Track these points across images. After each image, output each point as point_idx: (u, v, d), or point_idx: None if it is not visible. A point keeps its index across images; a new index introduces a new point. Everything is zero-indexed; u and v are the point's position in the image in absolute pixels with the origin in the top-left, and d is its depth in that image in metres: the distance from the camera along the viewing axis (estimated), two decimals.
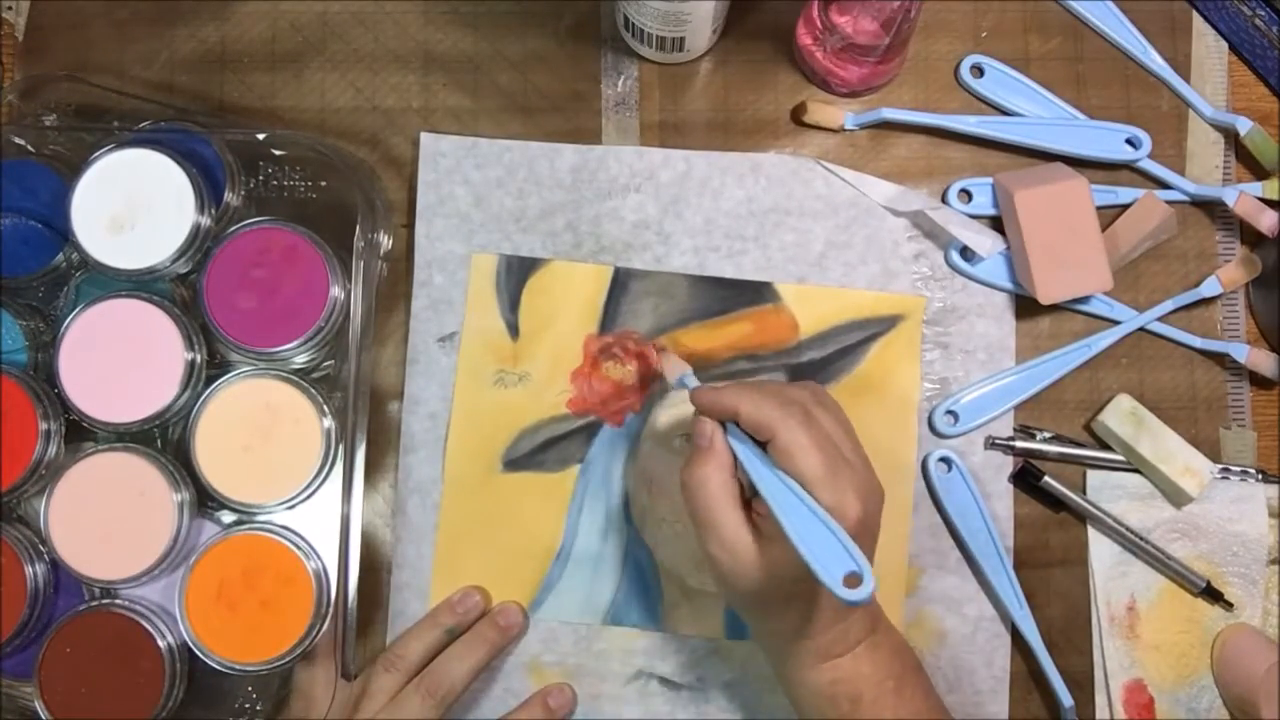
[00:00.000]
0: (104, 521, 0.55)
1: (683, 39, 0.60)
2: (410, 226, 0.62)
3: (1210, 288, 0.61)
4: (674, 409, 0.61)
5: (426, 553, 0.60)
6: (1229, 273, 0.61)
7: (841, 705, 0.51)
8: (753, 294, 0.61)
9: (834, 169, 0.62)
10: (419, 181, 0.62)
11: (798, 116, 0.63)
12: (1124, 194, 0.62)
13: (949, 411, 0.61)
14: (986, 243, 0.60)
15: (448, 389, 0.61)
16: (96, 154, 0.56)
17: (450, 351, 0.61)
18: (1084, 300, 0.61)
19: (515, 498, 0.61)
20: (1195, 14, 0.64)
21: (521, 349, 0.61)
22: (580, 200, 0.62)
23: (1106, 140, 0.62)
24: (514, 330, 0.61)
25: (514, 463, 0.61)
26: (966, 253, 0.61)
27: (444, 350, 0.61)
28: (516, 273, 0.62)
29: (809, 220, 0.62)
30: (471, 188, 0.62)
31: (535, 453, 0.61)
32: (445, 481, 0.61)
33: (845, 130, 0.63)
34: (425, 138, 0.62)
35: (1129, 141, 0.62)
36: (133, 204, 0.56)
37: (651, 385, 0.61)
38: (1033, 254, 0.59)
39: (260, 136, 0.58)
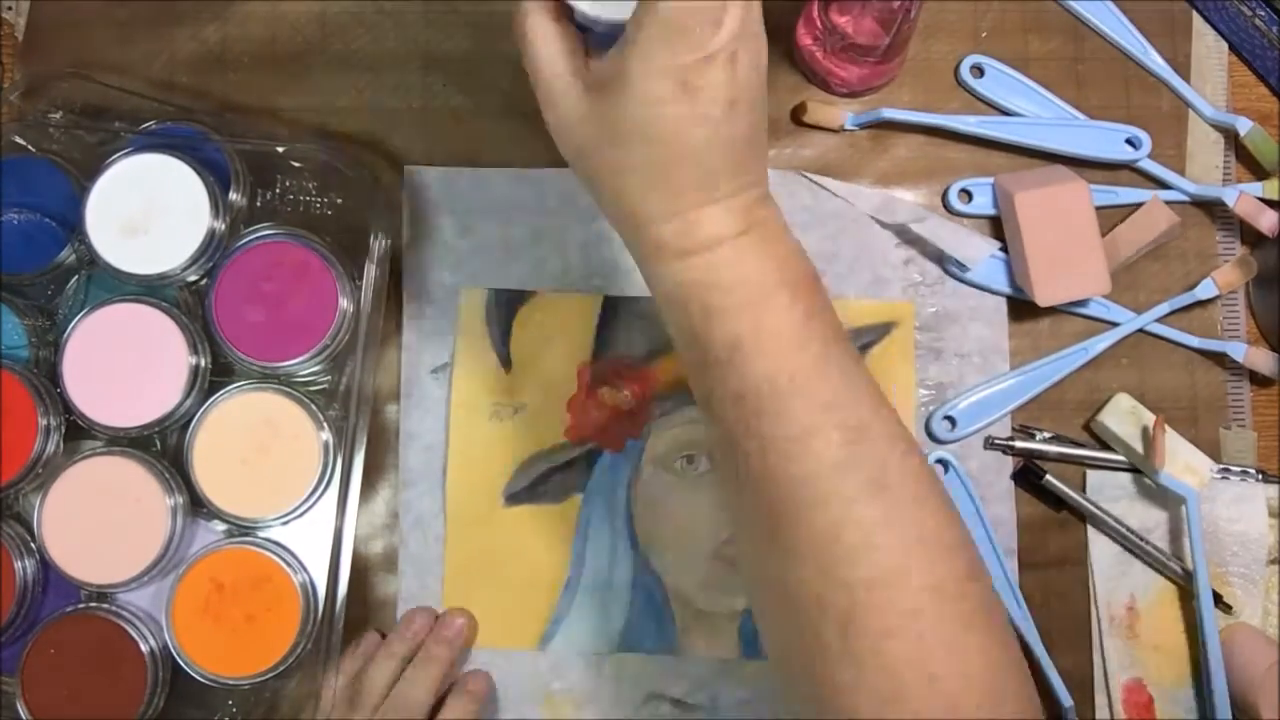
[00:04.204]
0: (97, 525, 0.55)
1: None
2: (397, 261, 0.61)
3: (1206, 290, 0.61)
4: (673, 430, 0.61)
5: (432, 586, 0.60)
6: (1225, 275, 0.61)
7: (691, 313, 0.41)
8: None
9: (819, 180, 0.62)
10: (404, 214, 0.62)
11: (798, 116, 0.63)
12: (1124, 194, 0.62)
13: (946, 417, 0.61)
14: (974, 252, 0.60)
15: (443, 420, 0.61)
16: (114, 157, 0.56)
17: (444, 384, 0.61)
18: (1082, 303, 0.61)
19: (519, 531, 0.60)
20: (1195, 14, 0.64)
21: (515, 381, 0.61)
22: (566, 225, 0.62)
23: (1106, 140, 0.62)
24: (506, 362, 0.61)
25: (515, 496, 0.61)
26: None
27: (437, 382, 0.61)
28: (505, 305, 0.61)
29: (796, 232, 0.61)
30: (458, 218, 0.62)
31: (536, 484, 0.61)
32: (448, 518, 0.60)
33: (845, 130, 0.63)
34: (409, 170, 0.62)
35: (1129, 141, 0.62)
36: (148, 209, 0.56)
37: (649, 409, 0.61)
38: (1031, 256, 0.59)
39: (280, 149, 0.58)
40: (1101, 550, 0.61)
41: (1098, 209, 0.60)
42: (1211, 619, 0.57)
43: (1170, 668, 0.60)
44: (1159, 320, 0.62)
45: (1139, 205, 0.62)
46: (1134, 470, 0.61)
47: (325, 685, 0.54)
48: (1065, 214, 0.59)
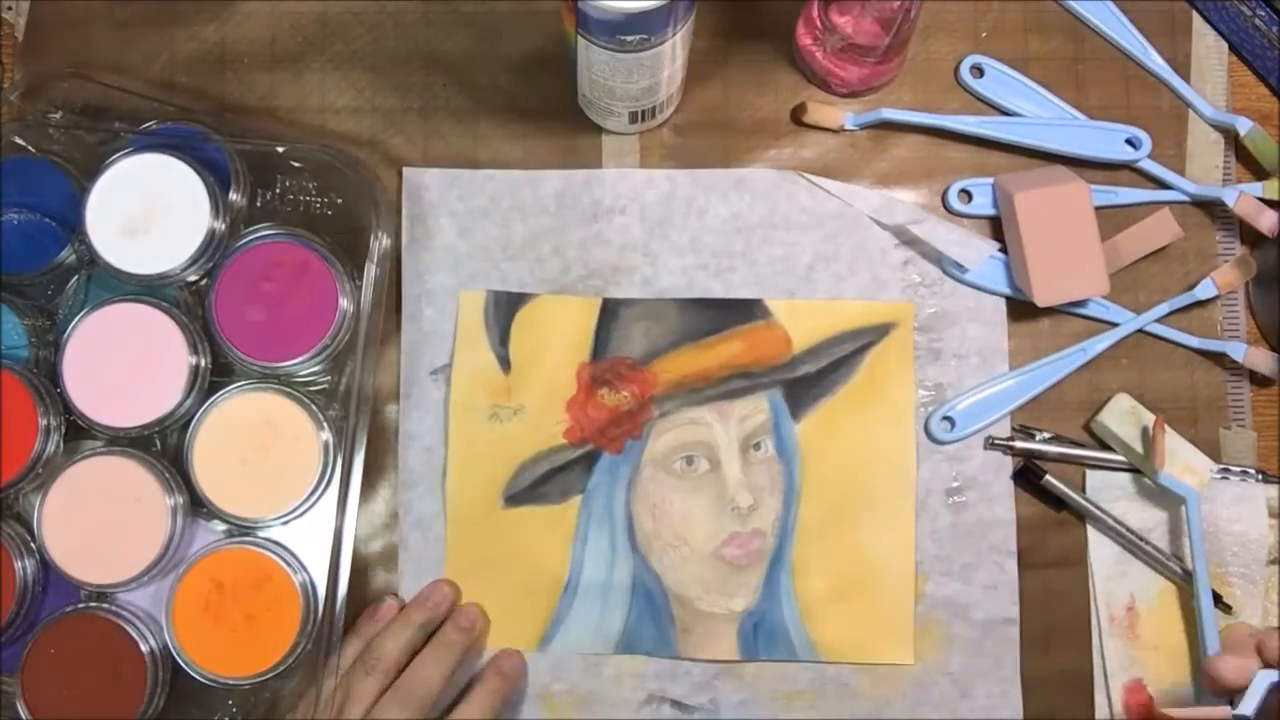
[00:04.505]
0: (97, 525, 0.55)
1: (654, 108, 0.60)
2: (397, 261, 0.62)
3: (1206, 290, 0.61)
4: (673, 431, 0.61)
5: None
6: (1224, 275, 0.61)
7: None
8: (743, 312, 0.61)
9: (817, 181, 0.62)
10: (403, 216, 0.62)
11: (798, 117, 0.63)
12: (1124, 194, 0.62)
13: (945, 417, 0.61)
14: (971, 254, 0.60)
15: (442, 422, 0.61)
16: (114, 157, 0.56)
17: (443, 385, 0.61)
18: (1081, 303, 0.61)
19: (519, 533, 0.60)
20: (1195, 14, 0.64)
21: (514, 382, 0.61)
22: (565, 225, 0.62)
23: (1106, 140, 0.62)
24: (505, 364, 0.61)
25: (515, 498, 0.61)
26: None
27: (436, 384, 0.61)
28: (505, 307, 0.61)
29: (795, 233, 0.62)
30: (456, 219, 0.62)
31: (535, 486, 0.61)
32: (448, 520, 0.60)
33: (845, 130, 0.63)
34: (408, 172, 0.62)
35: (1129, 141, 0.62)
36: (148, 209, 0.56)
37: (648, 409, 0.61)
38: (1030, 256, 0.59)
39: (280, 149, 0.58)
40: (1101, 550, 0.61)
41: (1098, 209, 0.60)
42: (1211, 619, 0.57)
43: (1170, 668, 0.60)
44: (1158, 320, 0.62)
45: (1139, 205, 0.62)
46: (1134, 470, 0.61)
47: (324, 684, 0.54)
48: (1065, 214, 0.59)
